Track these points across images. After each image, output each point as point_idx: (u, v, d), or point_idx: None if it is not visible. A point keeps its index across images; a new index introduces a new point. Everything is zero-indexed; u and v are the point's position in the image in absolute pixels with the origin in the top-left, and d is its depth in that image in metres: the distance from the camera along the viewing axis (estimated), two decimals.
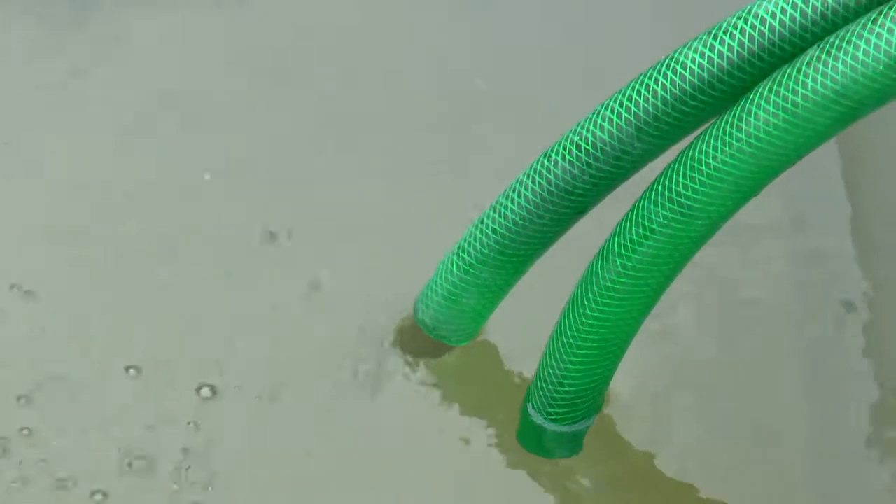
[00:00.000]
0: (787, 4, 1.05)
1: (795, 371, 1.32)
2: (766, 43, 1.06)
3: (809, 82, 1.02)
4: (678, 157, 1.10)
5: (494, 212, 1.18)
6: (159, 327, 1.30)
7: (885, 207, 1.47)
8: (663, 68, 1.08)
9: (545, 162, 1.14)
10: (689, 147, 1.09)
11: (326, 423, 1.27)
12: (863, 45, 1.00)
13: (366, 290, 1.33)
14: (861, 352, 1.33)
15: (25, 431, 1.22)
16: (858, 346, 1.33)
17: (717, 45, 1.06)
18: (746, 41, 1.06)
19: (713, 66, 1.07)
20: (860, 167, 1.47)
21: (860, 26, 1.00)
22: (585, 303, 1.16)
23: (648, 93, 1.09)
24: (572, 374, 1.20)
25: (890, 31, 0.99)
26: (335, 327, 1.32)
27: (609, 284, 1.14)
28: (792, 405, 1.30)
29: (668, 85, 1.08)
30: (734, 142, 1.06)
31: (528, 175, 1.16)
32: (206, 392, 1.26)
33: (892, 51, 0.99)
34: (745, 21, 1.06)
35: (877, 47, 1.00)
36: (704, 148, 1.07)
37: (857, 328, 1.34)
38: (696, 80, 1.07)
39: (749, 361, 1.32)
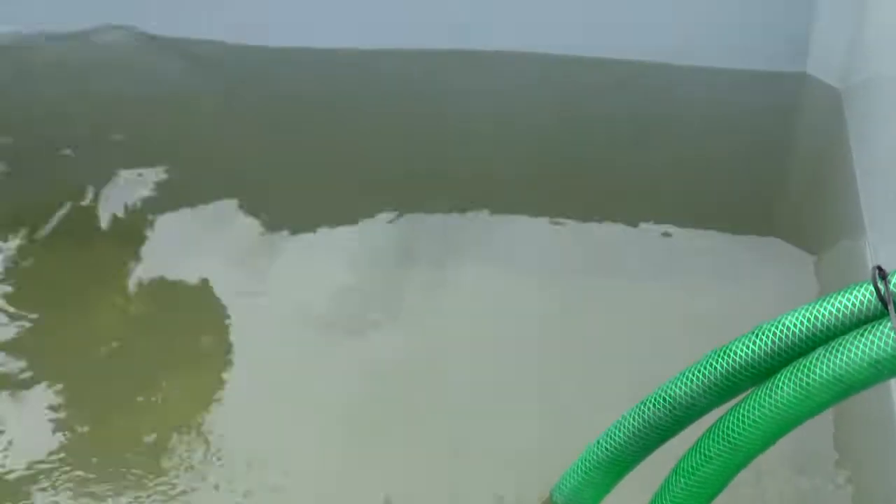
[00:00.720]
0: (805, 319, 1.43)
1: None
2: (788, 342, 1.43)
3: (817, 370, 1.40)
4: (729, 411, 1.48)
5: (607, 436, 1.59)
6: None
7: None
8: (722, 353, 1.47)
9: (641, 408, 1.54)
10: (737, 405, 1.47)
11: None
12: (853, 349, 1.38)
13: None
14: None
15: None
16: None
17: (757, 340, 1.45)
18: (777, 340, 1.44)
19: (754, 354, 1.45)
20: None
21: (853, 335, 1.40)
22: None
23: (711, 368, 1.48)
24: None
25: (871, 342, 1.38)
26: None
27: (678, 492, 1.52)
28: None
29: (723, 364, 1.47)
30: (766, 405, 1.44)
31: (631, 414, 1.55)
32: None
33: (874, 354, 1.38)
34: (777, 327, 1.44)
35: (864, 351, 1.38)
36: (747, 407, 1.46)
37: None
38: (741, 362, 1.46)
39: None
